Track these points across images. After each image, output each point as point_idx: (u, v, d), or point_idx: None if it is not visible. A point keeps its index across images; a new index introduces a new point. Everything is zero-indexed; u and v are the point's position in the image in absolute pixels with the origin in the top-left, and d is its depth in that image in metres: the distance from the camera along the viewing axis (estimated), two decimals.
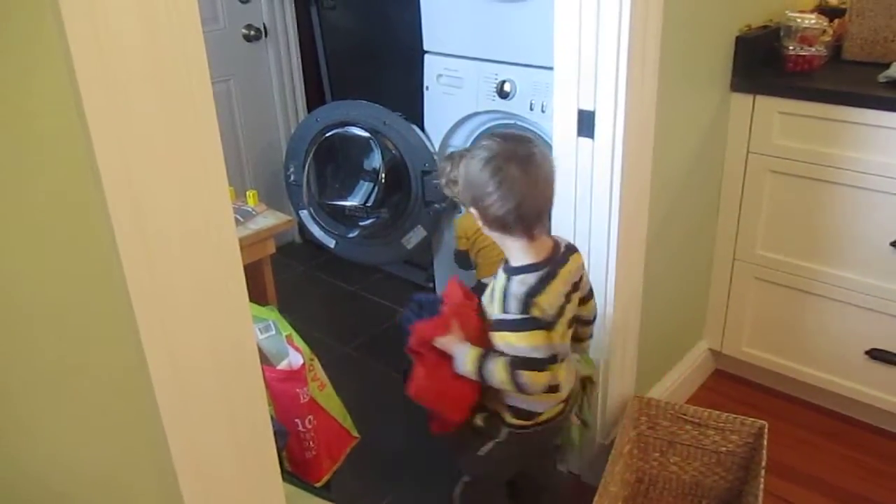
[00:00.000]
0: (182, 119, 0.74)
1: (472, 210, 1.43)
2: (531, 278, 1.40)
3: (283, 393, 1.63)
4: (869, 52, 2.05)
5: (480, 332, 1.46)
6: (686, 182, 1.99)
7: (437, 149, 2.45)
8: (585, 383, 1.68)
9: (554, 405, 1.54)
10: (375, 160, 2.52)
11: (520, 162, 1.35)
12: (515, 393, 1.44)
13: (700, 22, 1.83)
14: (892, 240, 1.90)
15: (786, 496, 1.94)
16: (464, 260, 2.28)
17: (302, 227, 3.02)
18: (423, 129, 2.47)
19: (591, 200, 1.71)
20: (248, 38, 3.00)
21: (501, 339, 1.42)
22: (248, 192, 2.24)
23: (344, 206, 2.67)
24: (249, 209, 2.19)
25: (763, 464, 1.67)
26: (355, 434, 1.83)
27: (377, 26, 2.81)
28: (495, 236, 1.44)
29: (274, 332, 1.70)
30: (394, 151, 2.51)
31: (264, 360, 1.64)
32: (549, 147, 1.80)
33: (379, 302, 2.89)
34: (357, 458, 1.85)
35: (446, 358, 1.45)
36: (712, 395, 2.29)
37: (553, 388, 1.48)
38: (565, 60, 1.64)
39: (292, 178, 2.81)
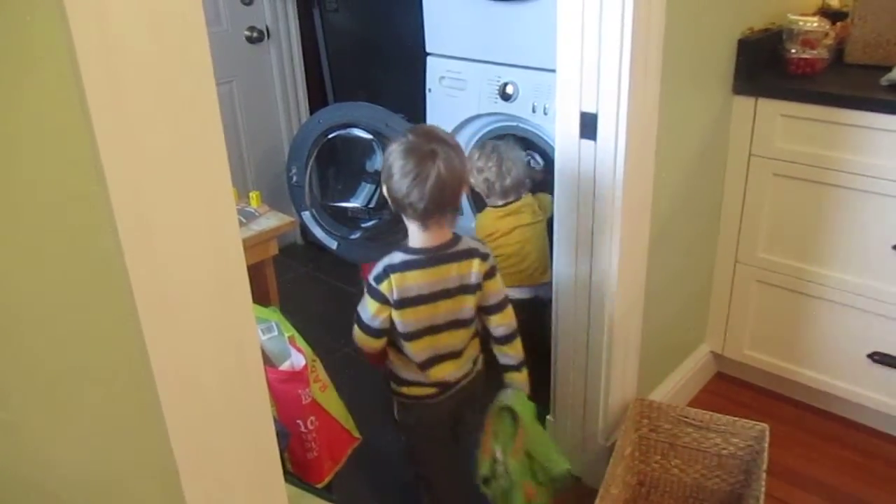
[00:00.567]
0: (187, 121, 0.74)
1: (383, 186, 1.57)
2: (399, 257, 1.56)
3: (285, 394, 1.63)
4: (871, 55, 2.05)
5: None
6: (688, 185, 1.99)
7: None
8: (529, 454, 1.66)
9: (424, 385, 1.64)
10: (378, 162, 2.53)
11: (418, 158, 1.47)
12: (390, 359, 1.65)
13: (702, 24, 1.83)
14: (895, 243, 1.90)
15: (787, 499, 1.93)
16: None
17: (304, 229, 3.01)
18: None
19: (594, 203, 1.71)
20: (250, 40, 3.01)
21: None
22: (250, 194, 2.25)
23: (346, 208, 2.67)
24: (252, 210, 2.20)
25: (765, 467, 1.67)
26: (357, 435, 1.83)
27: (379, 28, 2.81)
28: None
29: (276, 333, 1.70)
30: None
31: (266, 360, 1.64)
32: (551, 149, 1.81)
33: None
34: (358, 460, 1.85)
35: None
36: (714, 398, 2.29)
37: (422, 365, 1.60)
38: (568, 63, 1.64)
39: (294, 179, 2.81)
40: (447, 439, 1.75)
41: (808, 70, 2.01)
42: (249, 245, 2.08)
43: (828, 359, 2.12)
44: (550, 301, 1.94)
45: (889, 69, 1.91)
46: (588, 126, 1.65)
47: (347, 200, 2.68)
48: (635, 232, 1.77)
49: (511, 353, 1.68)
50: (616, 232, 1.70)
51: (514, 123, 2.23)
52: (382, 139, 2.52)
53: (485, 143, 1.95)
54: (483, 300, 1.62)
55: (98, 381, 0.82)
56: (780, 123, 1.98)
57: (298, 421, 1.65)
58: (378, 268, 1.56)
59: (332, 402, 1.76)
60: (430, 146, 1.48)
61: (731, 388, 2.34)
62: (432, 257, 1.55)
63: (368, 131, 2.55)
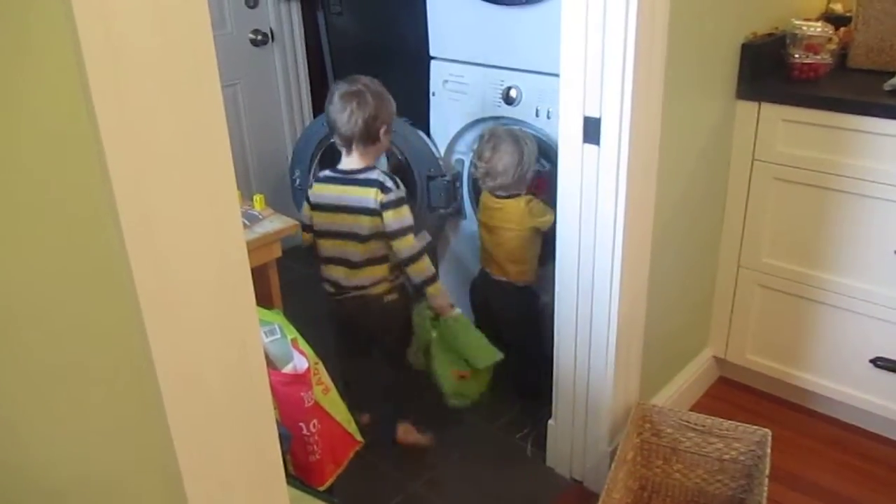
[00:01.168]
0: (192, 124, 0.75)
1: None
2: (325, 173, 2.05)
3: (287, 396, 1.63)
4: (874, 60, 2.06)
5: None
6: (691, 189, 1.99)
7: (442, 154, 2.45)
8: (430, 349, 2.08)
9: (324, 281, 2.09)
10: (380, 165, 2.53)
11: (343, 96, 1.91)
12: None
13: (706, 29, 1.83)
14: None
15: None
16: None
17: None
18: (428, 134, 2.48)
19: (597, 207, 1.71)
20: (255, 43, 3.02)
21: None
22: (254, 196, 2.25)
23: None
24: (256, 213, 2.20)
25: (767, 472, 1.67)
26: (359, 438, 1.83)
27: (383, 32, 2.82)
28: None
29: (279, 336, 1.70)
30: (399, 157, 2.51)
31: (269, 363, 1.64)
32: (554, 154, 1.83)
33: None
34: (360, 463, 1.86)
35: None
36: (716, 403, 2.29)
37: (323, 261, 2.06)
38: (571, 67, 1.64)
39: (298, 182, 2.82)
40: (356, 345, 2.16)
41: (812, 75, 2.01)
42: (253, 247, 2.09)
43: (830, 364, 2.12)
44: (530, 292, 2.19)
45: (892, 74, 1.91)
46: (591, 130, 1.65)
47: None
48: (638, 236, 1.77)
49: (414, 274, 2.02)
50: (619, 236, 1.71)
51: (518, 127, 2.23)
52: None
53: (493, 131, 2.10)
54: (384, 227, 1.95)
55: (100, 381, 0.82)
56: (783, 128, 1.98)
57: (301, 423, 1.65)
58: (310, 179, 2.06)
59: (335, 405, 1.76)
60: (355, 87, 1.91)
61: (734, 393, 2.34)
62: (344, 178, 1.99)
63: None
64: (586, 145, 1.68)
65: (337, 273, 2.04)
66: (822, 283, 2.05)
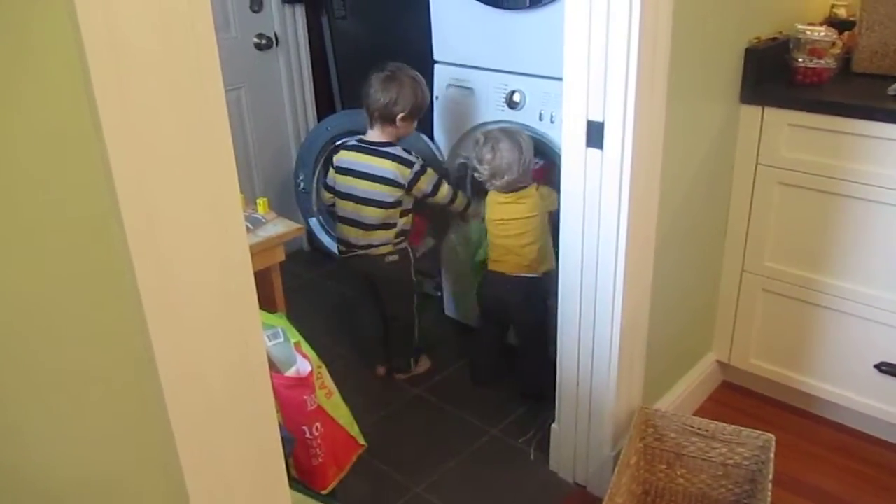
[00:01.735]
0: (195, 125, 0.75)
1: None
2: (352, 141, 2.31)
3: (290, 400, 1.63)
4: (878, 64, 2.05)
5: None
6: (695, 193, 1.99)
7: (445, 158, 2.45)
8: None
9: (337, 240, 2.39)
10: None
11: (377, 79, 2.19)
12: None
13: (709, 33, 1.83)
14: None
15: None
16: None
17: (311, 235, 3.02)
18: (432, 138, 2.48)
19: (600, 211, 1.71)
20: (259, 47, 3.02)
21: None
22: (258, 200, 2.25)
23: None
24: (259, 217, 2.20)
25: (770, 477, 1.67)
26: (362, 442, 1.83)
27: (387, 36, 2.82)
28: None
29: (282, 340, 1.70)
30: None
31: (272, 366, 1.64)
32: (558, 158, 1.83)
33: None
34: (363, 466, 1.86)
35: None
36: (720, 408, 2.28)
37: (339, 220, 2.34)
38: (574, 71, 1.64)
39: (302, 185, 2.82)
40: (368, 295, 2.49)
41: (815, 79, 2.01)
42: (256, 251, 2.09)
43: (834, 369, 2.11)
44: (546, 284, 2.21)
45: None
46: (594, 135, 1.65)
47: None
48: (641, 240, 1.77)
49: (454, 207, 2.36)
50: (622, 240, 1.70)
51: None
52: None
53: (487, 134, 2.16)
54: (420, 193, 2.26)
55: (101, 382, 0.82)
56: (787, 133, 1.98)
57: (304, 427, 1.65)
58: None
59: (338, 409, 1.76)
60: (390, 72, 2.19)
61: (737, 398, 2.33)
62: (367, 148, 2.26)
63: None
64: (589, 149, 1.68)
65: (349, 233, 2.31)
66: (827, 288, 2.05)
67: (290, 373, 1.65)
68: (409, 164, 2.22)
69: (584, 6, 1.56)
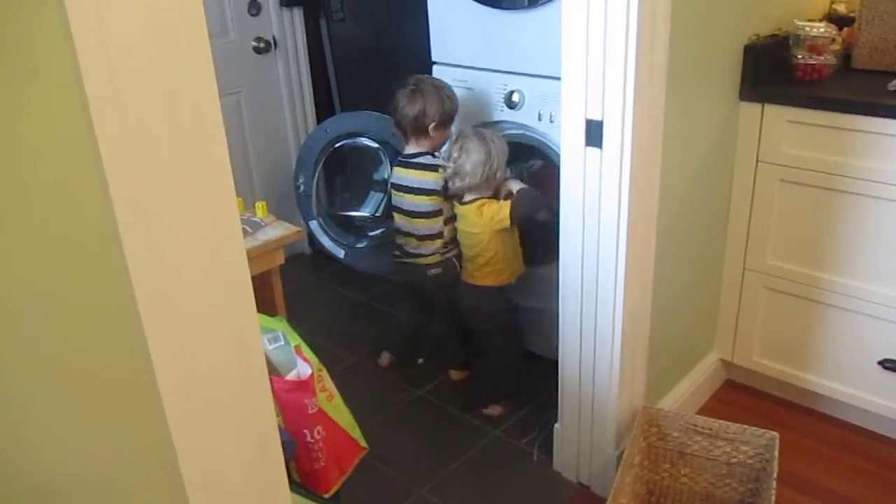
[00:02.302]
0: (189, 131, 0.75)
1: None
2: (398, 159, 2.35)
3: (291, 403, 1.62)
4: (878, 60, 2.05)
5: None
6: (695, 191, 1.98)
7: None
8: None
9: (396, 249, 2.41)
10: (384, 171, 2.53)
11: (403, 93, 2.22)
12: None
13: (708, 31, 1.83)
14: None
15: None
16: None
17: (311, 238, 3.02)
18: None
19: (600, 210, 1.71)
20: (257, 51, 3.02)
21: None
22: (257, 204, 2.25)
23: (353, 217, 2.68)
24: (259, 220, 2.20)
25: (775, 475, 1.66)
26: (364, 445, 1.83)
27: (386, 38, 2.82)
28: None
29: (283, 343, 1.70)
30: None
31: (273, 370, 1.63)
32: (557, 157, 1.83)
33: (388, 312, 2.89)
34: (365, 469, 1.85)
35: None
36: (723, 406, 2.28)
37: (395, 229, 2.39)
38: (573, 70, 1.64)
39: (302, 188, 2.82)
40: (414, 302, 2.52)
41: (815, 76, 2.01)
42: (255, 254, 2.09)
43: (838, 366, 2.10)
44: (505, 294, 2.28)
45: None
46: (594, 134, 1.65)
47: (355, 209, 2.69)
48: (642, 239, 1.76)
49: None
50: (622, 239, 1.70)
51: (521, 132, 2.23)
52: (389, 148, 2.53)
53: (462, 132, 2.20)
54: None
55: (99, 382, 0.82)
56: (788, 129, 1.98)
57: (305, 430, 1.65)
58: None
59: (339, 412, 1.76)
60: (412, 87, 2.21)
61: (741, 396, 2.32)
62: (405, 162, 2.30)
63: (375, 140, 2.56)
64: (589, 148, 1.67)
65: (407, 243, 2.36)
66: (829, 285, 2.04)
67: (291, 376, 1.65)
68: (438, 169, 2.23)
69: (582, 5, 1.56)
